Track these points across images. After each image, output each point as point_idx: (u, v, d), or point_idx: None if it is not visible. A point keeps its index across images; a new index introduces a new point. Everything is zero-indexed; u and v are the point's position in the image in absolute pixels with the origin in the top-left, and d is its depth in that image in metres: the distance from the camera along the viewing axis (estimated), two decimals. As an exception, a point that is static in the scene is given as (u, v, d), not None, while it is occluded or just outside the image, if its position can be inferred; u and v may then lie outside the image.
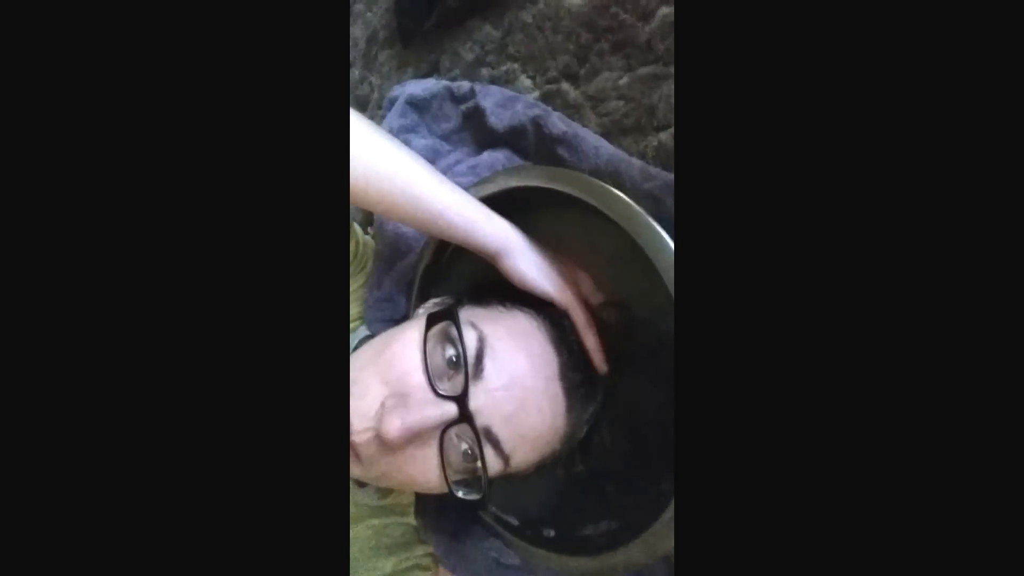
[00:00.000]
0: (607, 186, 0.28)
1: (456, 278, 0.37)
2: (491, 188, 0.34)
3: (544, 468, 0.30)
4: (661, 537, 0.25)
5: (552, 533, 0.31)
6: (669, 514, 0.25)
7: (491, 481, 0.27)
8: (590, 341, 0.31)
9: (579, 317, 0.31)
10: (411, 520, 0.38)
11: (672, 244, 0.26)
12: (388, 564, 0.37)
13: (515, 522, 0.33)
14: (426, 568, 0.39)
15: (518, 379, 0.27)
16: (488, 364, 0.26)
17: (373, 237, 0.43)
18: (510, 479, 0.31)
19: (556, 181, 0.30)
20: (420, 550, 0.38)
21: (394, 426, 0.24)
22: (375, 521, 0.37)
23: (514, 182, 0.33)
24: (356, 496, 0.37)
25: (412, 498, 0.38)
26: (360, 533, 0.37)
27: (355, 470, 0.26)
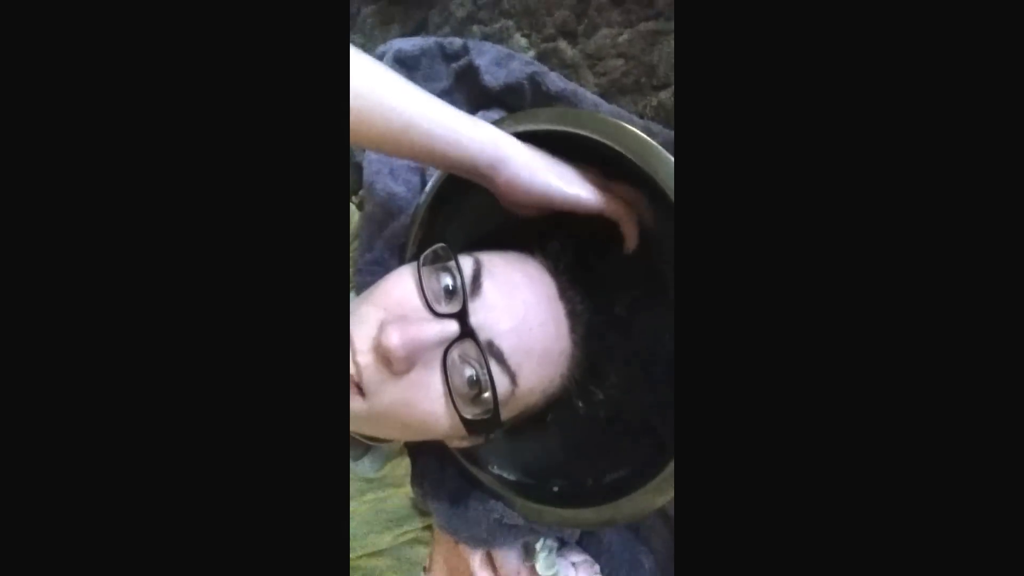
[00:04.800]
0: (622, 123, 0.28)
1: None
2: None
3: (553, 409, 0.30)
4: (668, 485, 0.26)
5: (558, 488, 0.32)
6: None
7: (500, 424, 0.27)
8: (630, 230, 0.30)
9: (613, 209, 0.29)
10: (408, 491, 0.38)
11: None
12: (386, 538, 0.38)
13: (521, 480, 0.34)
14: (424, 543, 0.40)
15: (517, 294, 0.27)
16: (486, 282, 0.27)
17: (361, 202, 0.42)
18: (518, 433, 0.31)
19: (568, 122, 0.30)
20: (419, 522, 0.39)
21: (395, 337, 0.24)
22: (372, 495, 0.38)
23: (525, 126, 0.32)
24: (352, 469, 0.37)
25: (408, 469, 0.38)
26: (358, 508, 0.37)
27: (358, 407, 0.26)
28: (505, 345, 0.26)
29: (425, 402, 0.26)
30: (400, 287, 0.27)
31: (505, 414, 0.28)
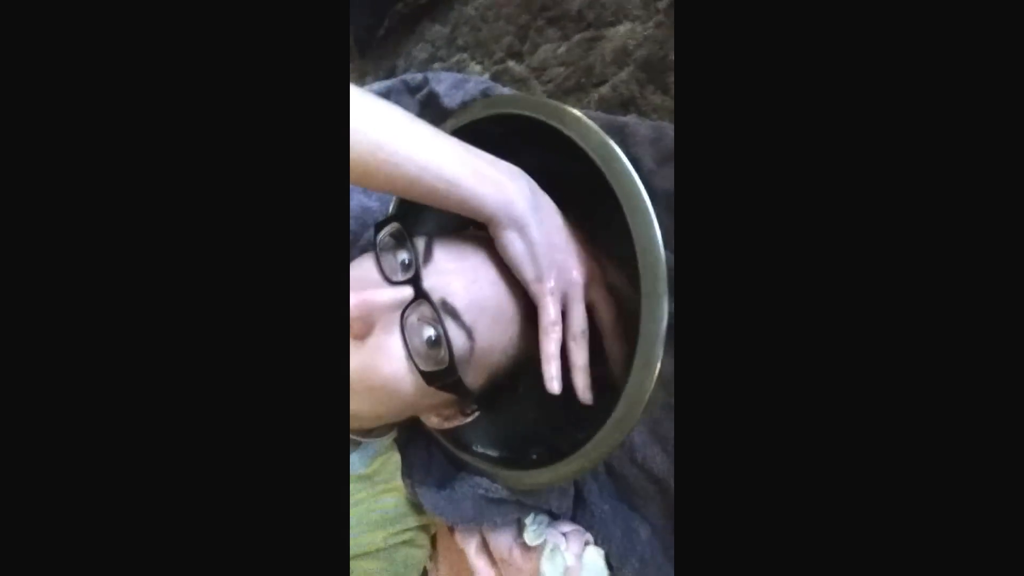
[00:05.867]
0: (565, 106, 0.31)
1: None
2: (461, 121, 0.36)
3: (524, 378, 0.31)
4: (624, 423, 0.27)
5: (537, 455, 0.32)
6: (631, 388, 0.27)
7: (458, 376, 0.27)
8: (547, 347, 0.29)
9: (546, 317, 0.29)
10: (400, 488, 0.38)
11: (625, 160, 0.29)
12: (378, 538, 0.38)
13: (503, 455, 0.34)
14: (419, 546, 0.39)
15: (468, 257, 0.30)
16: (437, 250, 0.29)
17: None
18: (497, 410, 0.32)
19: (508, 105, 0.33)
20: (412, 521, 0.39)
21: (352, 302, 0.26)
22: (363, 494, 0.38)
23: (468, 118, 0.35)
24: (342, 465, 0.37)
25: (398, 464, 0.39)
26: (351, 509, 0.38)
27: None
28: (458, 303, 0.28)
29: (387, 364, 0.28)
30: (360, 268, 0.30)
31: (473, 374, 0.29)
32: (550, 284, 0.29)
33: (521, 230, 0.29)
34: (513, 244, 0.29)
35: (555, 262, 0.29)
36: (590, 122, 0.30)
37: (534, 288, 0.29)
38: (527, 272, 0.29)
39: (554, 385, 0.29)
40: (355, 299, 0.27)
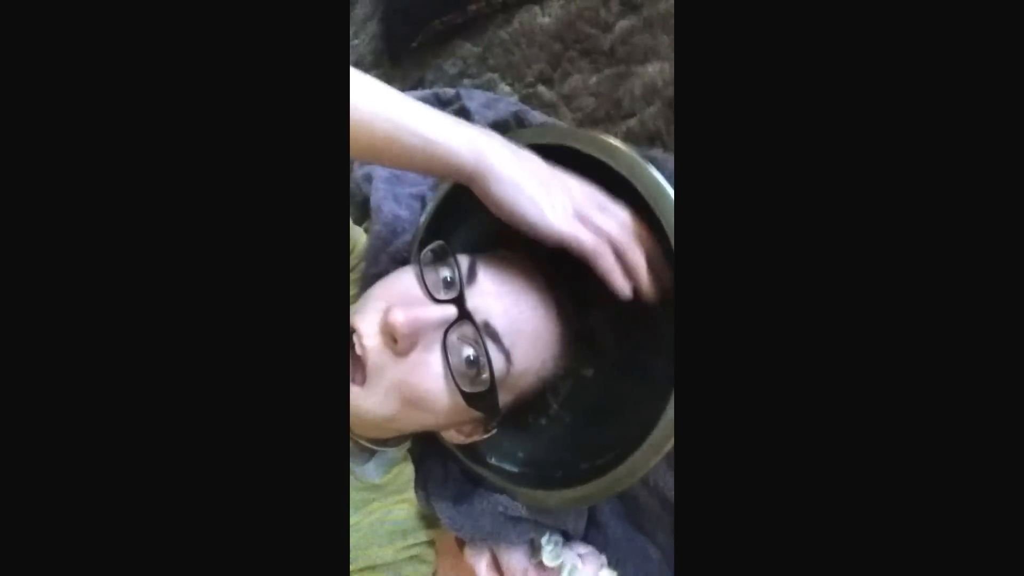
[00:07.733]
0: (605, 137, 0.32)
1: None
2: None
3: (549, 390, 0.31)
4: (658, 446, 0.28)
5: (561, 473, 0.33)
6: (669, 413, 0.27)
7: (497, 400, 0.28)
8: (603, 267, 0.28)
9: (580, 246, 0.27)
10: (412, 500, 0.38)
11: (669, 187, 0.29)
12: (388, 552, 0.37)
13: (524, 471, 0.34)
14: (426, 561, 0.39)
15: (510, 281, 0.30)
16: (481, 272, 0.30)
17: (367, 228, 0.46)
18: (521, 428, 0.32)
19: (567, 138, 0.34)
20: (423, 535, 0.38)
21: (400, 316, 0.27)
22: (377, 504, 0.37)
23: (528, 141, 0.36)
24: (357, 474, 0.37)
25: (411, 476, 0.38)
26: (362, 520, 0.37)
27: (359, 390, 0.28)
28: (500, 325, 0.28)
29: (426, 380, 0.28)
30: (402, 281, 0.30)
31: (504, 394, 0.29)
32: (561, 215, 0.27)
33: (505, 176, 0.27)
34: (505, 193, 0.27)
35: (554, 193, 0.28)
36: (643, 161, 0.31)
37: (548, 228, 0.27)
38: (531, 215, 0.27)
39: (626, 291, 0.28)
40: (406, 315, 0.27)
